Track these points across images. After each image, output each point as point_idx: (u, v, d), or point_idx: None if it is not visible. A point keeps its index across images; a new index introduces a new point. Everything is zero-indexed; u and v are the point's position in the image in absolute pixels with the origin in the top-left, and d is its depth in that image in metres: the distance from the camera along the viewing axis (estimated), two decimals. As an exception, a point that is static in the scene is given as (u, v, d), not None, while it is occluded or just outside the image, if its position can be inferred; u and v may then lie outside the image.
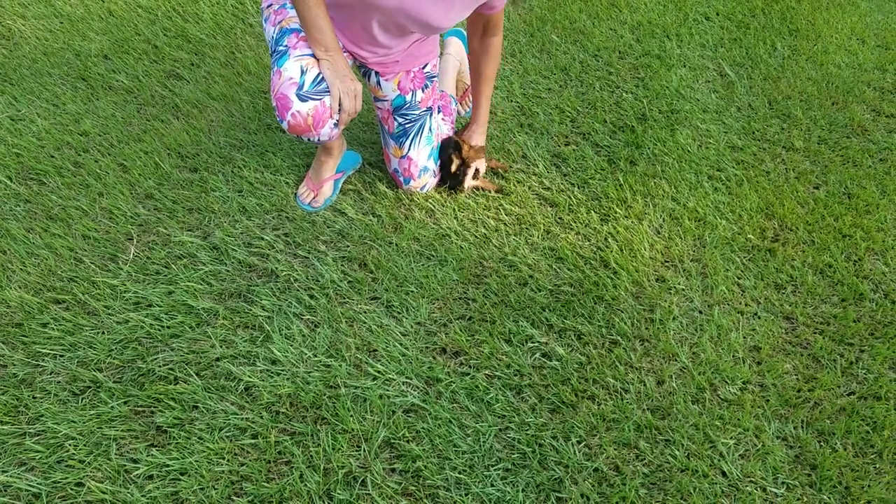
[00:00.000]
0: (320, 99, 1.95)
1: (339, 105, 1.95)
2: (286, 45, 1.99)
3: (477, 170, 2.43)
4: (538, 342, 1.95)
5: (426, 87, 2.36)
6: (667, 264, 2.23)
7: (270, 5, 2.15)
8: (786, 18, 3.58)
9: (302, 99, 1.92)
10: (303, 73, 1.94)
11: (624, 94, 3.00)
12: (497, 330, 1.98)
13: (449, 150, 2.40)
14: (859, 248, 2.29)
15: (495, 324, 1.99)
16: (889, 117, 2.92)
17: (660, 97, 2.98)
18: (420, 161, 2.38)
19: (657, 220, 2.37)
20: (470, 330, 1.97)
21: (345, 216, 2.31)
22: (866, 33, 3.49)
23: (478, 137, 2.46)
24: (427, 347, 1.92)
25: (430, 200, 2.40)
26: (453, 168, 2.39)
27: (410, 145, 2.37)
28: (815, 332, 2.03)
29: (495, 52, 2.27)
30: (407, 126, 2.36)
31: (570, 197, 2.45)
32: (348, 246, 2.21)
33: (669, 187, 2.50)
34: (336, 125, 2.01)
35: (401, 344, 1.92)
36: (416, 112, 2.36)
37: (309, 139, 2.01)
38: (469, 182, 2.41)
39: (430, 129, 2.40)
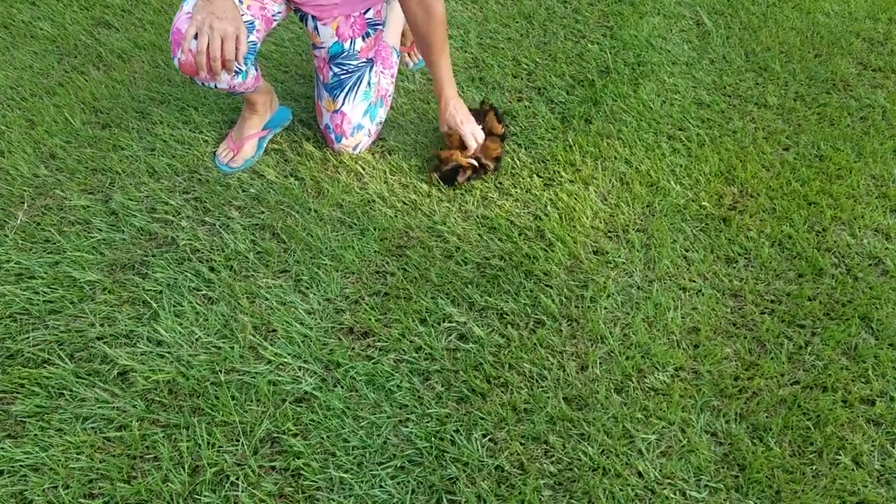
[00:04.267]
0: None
1: (207, 49, 1.75)
2: None
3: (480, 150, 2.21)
4: (456, 322, 1.79)
5: (367, 35, 2.15)
6: (609, 234, 2.04)
7: None
8: (773, -39, 3.30)
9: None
10: None
11: (589, 44, 2.77)
12: (412, 308, 1.81)
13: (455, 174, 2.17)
14: (824, 216, 2.09)
15: (411, 301, 1.82)
16: (876, 71, 2.68)
17: (627, 48, 2.75)
18: (354, 117, 2.19)
19: (605, 184, 2.18)
20: (383, 308, 1.81)
21: (263, 179, 2.13)
22: (861, -22, 3.21)
23: (454, 110, 2.18)
24: (332, 328, 1.76)
25: (359, 162, 2.21)
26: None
27: (345, 99, 2.17)
28: (763, 312, 1.85)
29: (436, 9, 2.00)
30: (343, 77, 2.16)
31: (513, 158, 2.26)
32: (263, 212, 2.04)
33: (624, 148, 2.30)
34: (238, 73, 1.83)
35: (303, 324, 1.75)
36: (354, 62, 2.16)
37: (204, 84, 1.84)
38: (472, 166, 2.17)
39: (368, 84, 2.20)
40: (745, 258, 1.99)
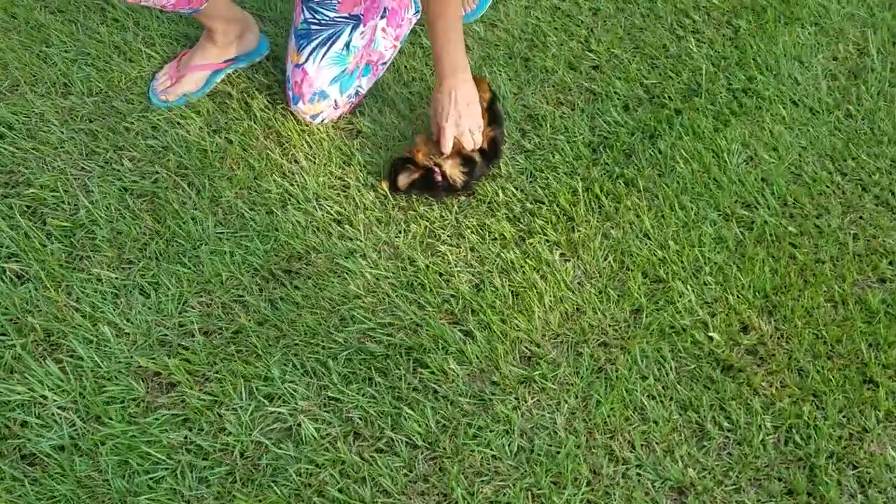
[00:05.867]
0: None
1: None
2: None
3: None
4: (291, 406, 1.36)
5: None
6: (558, 339, 1.50)
7: None
8: None
9: None
10: None
11: (695, 45, 2.08)
12: (249, 369, 1.40)
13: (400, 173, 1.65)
14: (877, 410, 1.45)
15: (253, 357, 1.41)
16: None
17: (743, 64, 2.04)
18: (317, 82, 1.71)
19: (595, 261, 1.61)
20: (213, 355, 1.41)
21: (180, 128, 1.73)
22: None
23: (447, 98, 1.61)
24: (134, 366, 1.38)
25: (310, 137, 1.75)
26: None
27: (310, 55, 1.70)
28: (703, 534, 1.30)
29: None
30: (313, 28, 1.68)
31: (498, 189, 1.72)
32: (156, 174, 1.65)
33: (650, 213, 1.69)
34: None
35: (102, 348, 1.39)
36: (330, 15, 1.67)
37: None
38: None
39: (345, 46, 1.70)
40: (726, 437, 1.41)
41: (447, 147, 1.61)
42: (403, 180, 1.62)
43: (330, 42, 1.70)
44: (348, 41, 1.71)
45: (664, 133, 1.86)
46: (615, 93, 1.95)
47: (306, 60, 1.71)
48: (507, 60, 1.99)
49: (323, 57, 1.70)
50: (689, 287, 1.58)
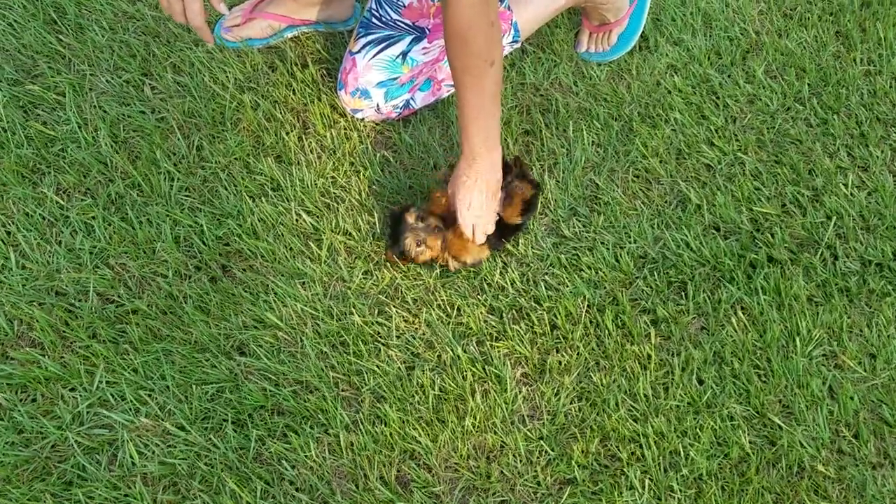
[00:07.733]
0: None
1: None
2: None
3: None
4: (129, 420, 1.25)
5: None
6: (456, 474, 1.27)
7: None
8: None
9: None
10: None
11: (851, 184, 1.66)
12: (117, 359, 1.29)
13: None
14: None
15: (129, 347, 1.29)
16: None
17: (890, 232, 1.60)
18: (362, 78, 1.54)
19: (555, 403, 1.33)
20: (93, 327, 1.31)
21: (214, 74, 1.61)
22: None
23: (465, 180, 1.38)
24: (16, 308, 1.31)
25: (338, 129, 1.58)
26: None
27: (363, 48, 1.52)
28: None
29: (456, 24, 1.21)
30: (374, 21, 1.51)
31: (499, 269, 1.46)
32: (164, 113, 1.55)
33: (654, 375, 1.38)
34: None
35: (1, 276, 1.33)
36: (392, 16, 1.49)
37: None
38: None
39: (401, 55, 1.52)
40: None
41: (467, 231, 1.38)
42: (408, 240, 1.38)
43: (385, 44, 1.50)
44: (406, 51, 1.50)
45: (737, 281, 1.48)
46: (711, 208, 1.58)
47: (359, 51, 1.52)
48: (607, 122, 1.67)
49: (374, 56, 1.50)
50: (646, 484, 1.26)
